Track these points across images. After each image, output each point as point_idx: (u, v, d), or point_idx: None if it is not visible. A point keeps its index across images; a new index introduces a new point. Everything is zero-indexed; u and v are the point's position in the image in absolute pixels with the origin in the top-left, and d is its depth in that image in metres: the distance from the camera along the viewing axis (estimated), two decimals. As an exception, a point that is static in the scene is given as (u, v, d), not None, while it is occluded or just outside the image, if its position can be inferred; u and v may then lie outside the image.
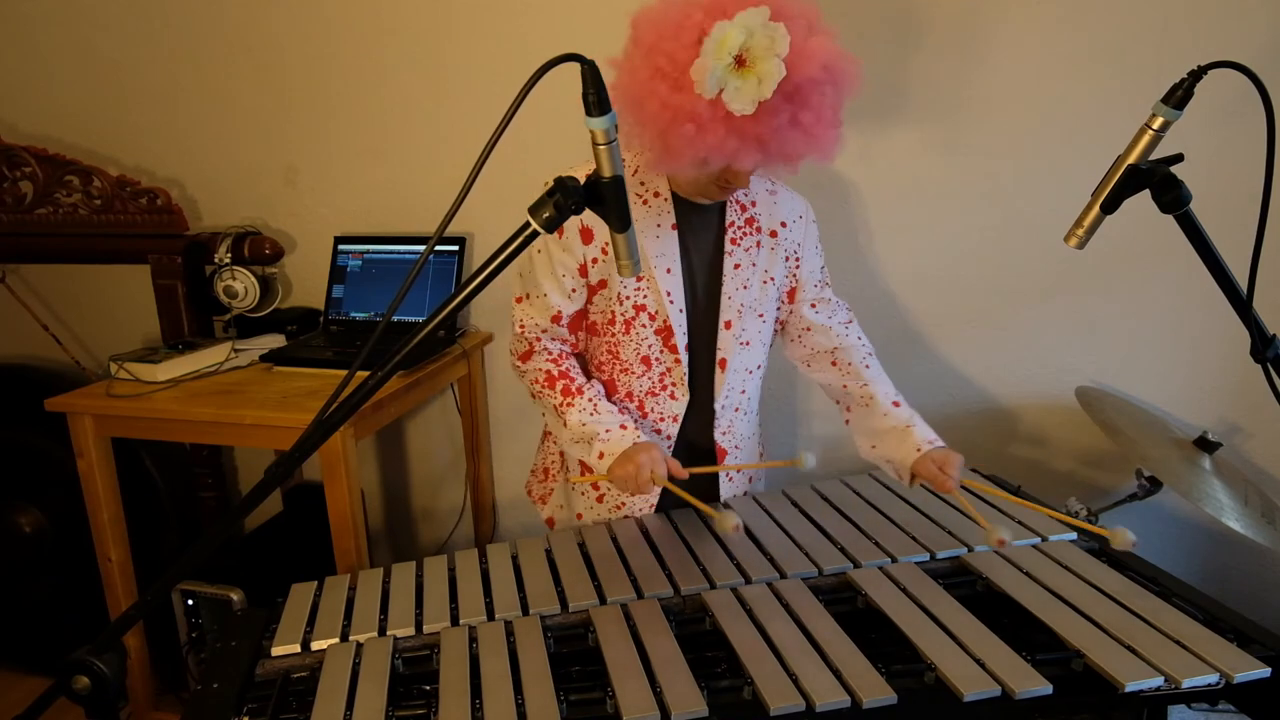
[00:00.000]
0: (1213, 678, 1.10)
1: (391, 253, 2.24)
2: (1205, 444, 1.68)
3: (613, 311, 1.49)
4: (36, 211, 2.35)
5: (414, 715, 1.14)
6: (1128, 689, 1.09)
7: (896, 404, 1.52)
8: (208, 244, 2.28)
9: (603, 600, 1.34)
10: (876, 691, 1.09)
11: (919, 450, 1.44)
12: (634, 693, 1.11)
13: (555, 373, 1.51)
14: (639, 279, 1.46)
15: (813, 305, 1.59)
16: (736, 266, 1.50)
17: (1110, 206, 1.15)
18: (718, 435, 1.59)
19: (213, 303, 2.28)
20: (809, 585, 1.35)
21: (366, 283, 2.25)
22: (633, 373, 1.53)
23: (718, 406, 1.56)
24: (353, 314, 2.25)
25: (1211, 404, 1.97)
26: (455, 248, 2.20)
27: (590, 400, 1.47)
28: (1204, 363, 1.95)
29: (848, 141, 1.95)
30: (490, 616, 1.32)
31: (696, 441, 1.59)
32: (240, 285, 2.22)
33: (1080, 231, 1.19)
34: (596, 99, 0.95)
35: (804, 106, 1.21)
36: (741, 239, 1.50)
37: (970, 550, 1.43)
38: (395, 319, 2.19)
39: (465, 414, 2.31)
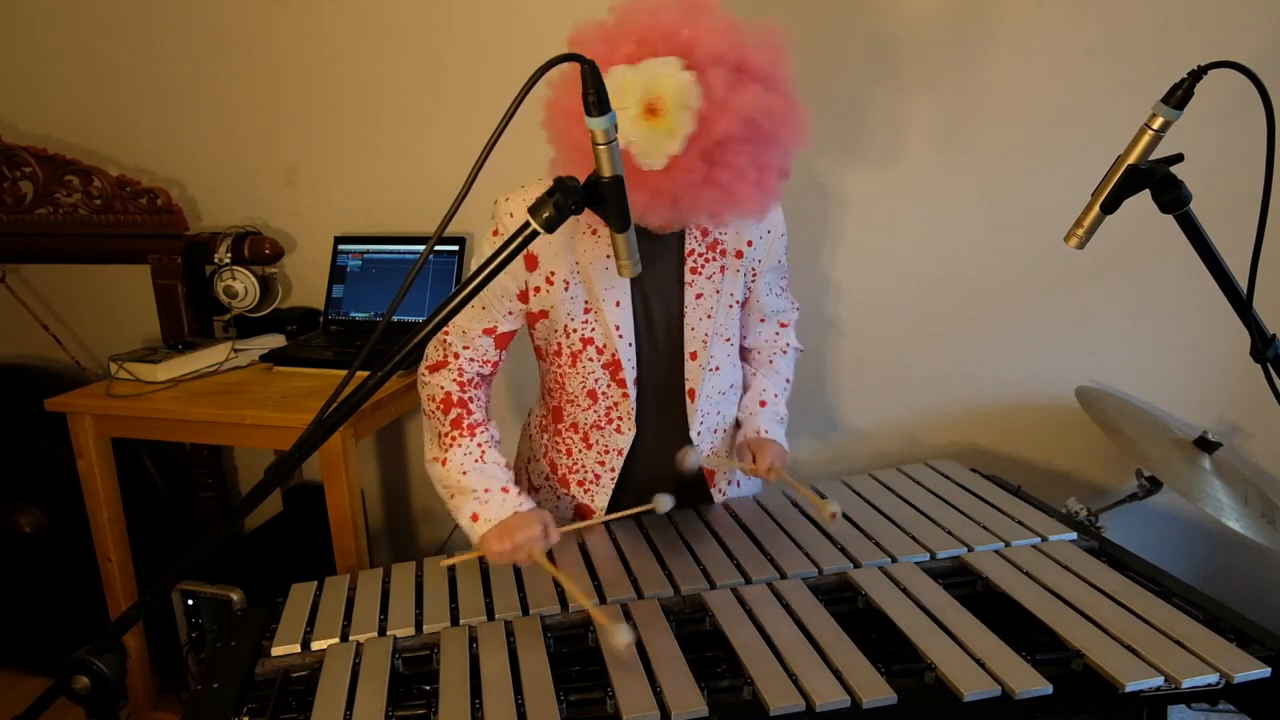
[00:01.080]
0: (1213, 678, 1.10)
1: (391, 253, 2.24)
2: (1205, 444, 1.68)
3: (559, 343, 1.42)
4: (36, 211, 2.35)
5: (414, 715, 1.14)
6: (1128, 689, 1.09)
7: (763, 403, 1.56)
8: (208, 244, 2.28)
9: (603, 600, 1.34)
10: (876, 691, 1.09)
11: (746, 435, 1.53)
12: (634, 693, 1.11)
13: (455, 398, 1.40)
14: (586, 310, 1.38)
15: (762, 320, 1.59)
16: (699, 296, 1.42)
17: (1110, 206, 1.15)
18: (704, 461, 1.55)
19: (213, 303, 2.28)
20: (809, 585, 1.34)
21: (366, 283, 2.25)
22: (579, 405, 1.46)
23: (694, 434, 1.50)
24: (353, 314, 2.25)
25: (1211, 404, 1.97)
26: (455, 248, 2.20)
27: (479, 445, 1.37)
28: (1204, 363, 1.95)
29: (847, 142, 1.98)
30: (490, 616, 1.32)
31: (654, 475, 1.51)
32: (240, 285, 2.22)
33: (1080, 231, 1.19)
34: (596, 99, 0.95)
35: (719, 164, 1.13)
36: (703, 266, 1.41)
37: (970, 550, 1.43)
38: (395, 319, 2.19)
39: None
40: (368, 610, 1.36)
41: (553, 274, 1.38)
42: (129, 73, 2.37)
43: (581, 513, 1.55)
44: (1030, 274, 1.98)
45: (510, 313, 1.42)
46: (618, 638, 1.15)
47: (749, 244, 1.44)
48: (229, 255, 2.24)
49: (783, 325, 1.62)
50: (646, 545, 1.49)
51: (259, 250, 2.26)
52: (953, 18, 1.87)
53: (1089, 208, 1.17)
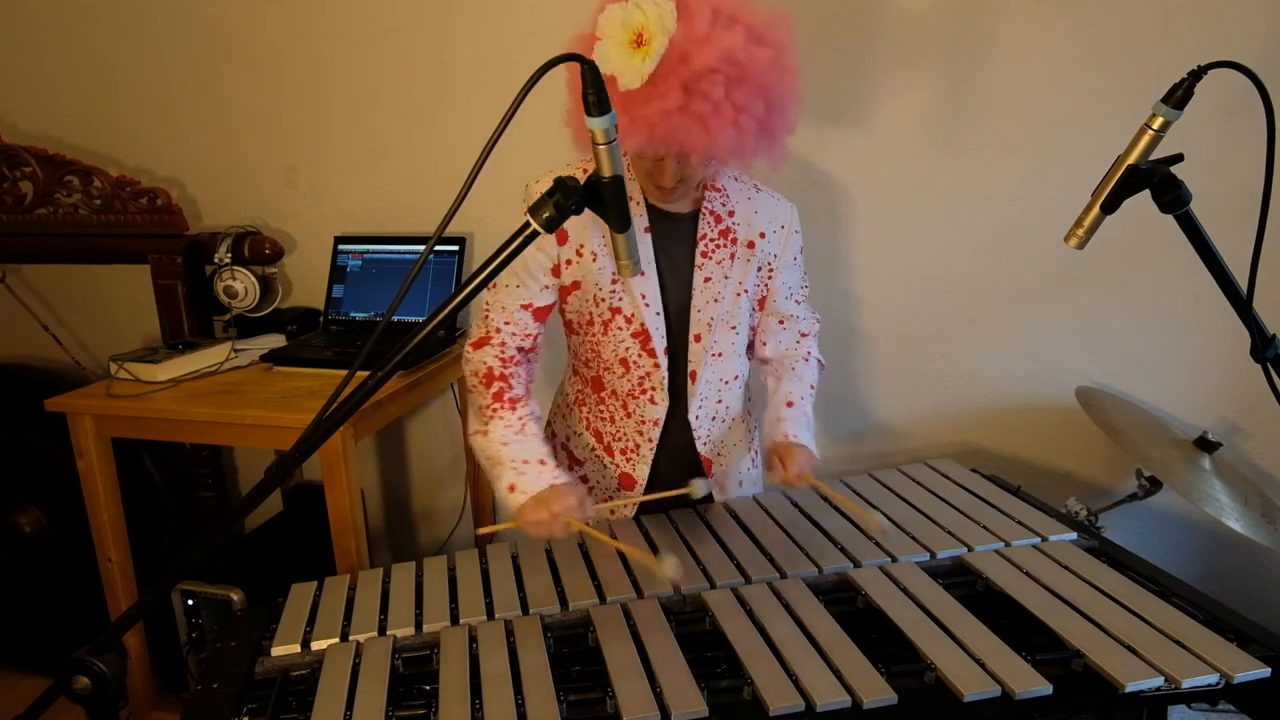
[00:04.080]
0: (1213, 678, 1.10)
1: (391, 253, 2.24)
2: (1205, 444, 1.68)
3: (590, 313, 1.48)
4: (36, 211, 2.35)
5: (414, 715, 1.14)
6: (1128, 689, 1.09)
7: (790, 404, 1.54)
8: (208, 244, 2.28)
9: (603, 600, 1.34)
10: (876, 691, 1.09)
11: (774, 440, 1.51)
12: (634, 693, 1.11)
13: (497, 373, 1.44)
14: (614, 281, 1.45)
15: (780, 322, 1.59)
16: (707, 280, 1.47)
17: (1110, 206, 1.15)
18: (699, 446, 1.58)
19: (213, 303, 2.28)
20: (809, 585, 1.35)
21: (366, 283, 2.25)
22: (614, 372, 1.52)
23: (692, 417, 1.55)
24: (353, 314, 2.25)
25: (1211, 404, 1.97)
26: (455, 248, 2.20)
27: (520, 418, 1.41)
28: (1204, 363, 1.95)
29: (846, 141, 1.98)
30: (490, 616, 1.32)
31: (680, 452, 1.57)
32: (240, 285, 2.22)
33: (1080, 231, 1.19)
34: (596, 99, 0.95)
35: (696, 95, 1.18)
36: (714, 251, 1.46)
37: (970, 550, 1.43)
38: (395, 319, 2.19)
39: (465, 414, 2.31)
40: (368, 610, 1.36)
41: (582, 247, 1.44)
42: (129, 73, 2.37)
43: (624, 483, 1.58)
44: (1030, 274, 1.98)
45: (545, 287, 1.48)
46: (667, 569, 1.23)
47: (761, 235, 1.49)
48: (229, 255, 2.24)
49: (803, 335, 1.62)
50: (647, 545, 1.49)
51: (259, 250, 2.26)
52: (953, 18, 1.87)
53: (1089, 208, 1.17)
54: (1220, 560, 2.02)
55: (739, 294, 1.50)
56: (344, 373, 0.98)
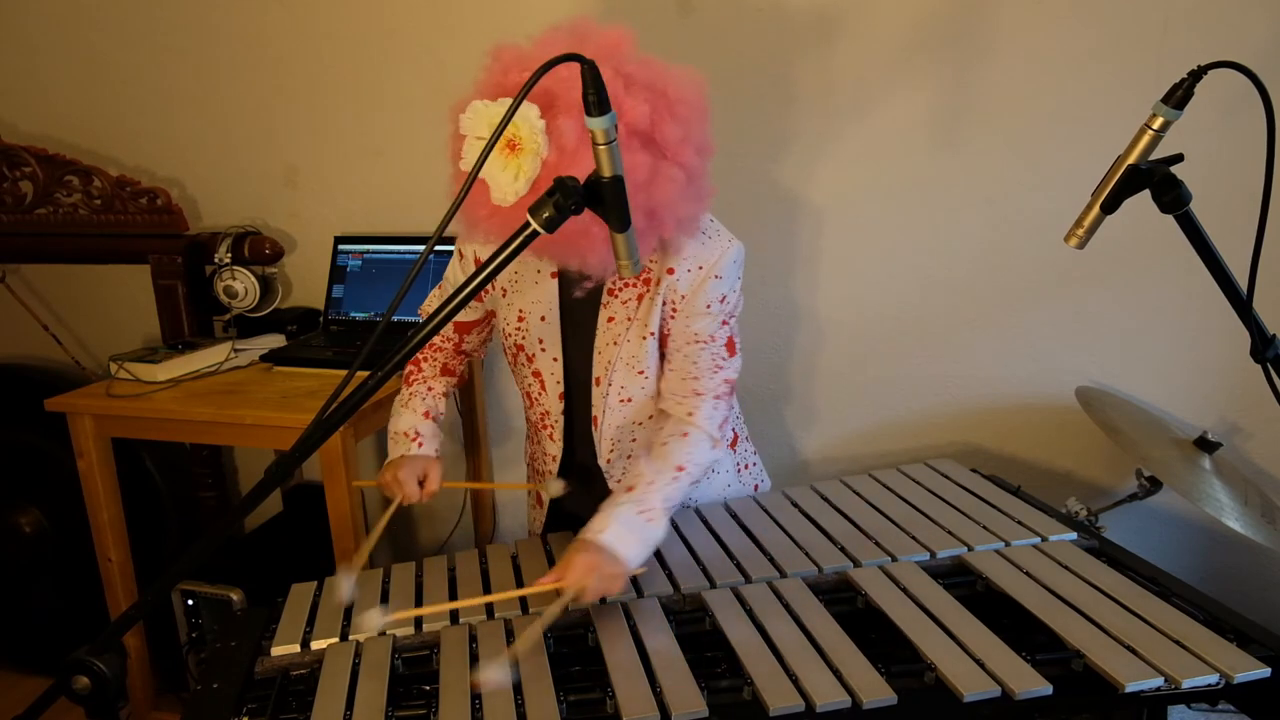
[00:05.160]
0: (1213, 678, 1.10)
1: (391, 253, 2.24)
2: (1205, 444, 1.68)
3: (503, 344, 1.51)
4: (36, 211, 2.35)
5: (414, 715, 1.14)
6: (1128, 689, 1.09)
7: (631, 487, 1.31)
8: (208, 244, 2.28)
9: (603, 600, 1.34)
10: (876, 691, 1.09)
11: (580, 536, 1.26)
12: (634, 693, 1.11)
13: (416, 355, 1.57)
14: (519, 319, 1.44)
15: (673, 369, 1.40)
16: (610, 320, 1.39)
17: (1110, 206, 1.15)
18: (612, 485, 1.49)
19: (213, 303, 2.28)
20: (809, 585, 1.34)
21: (366, 283, 2.25)
22: (525, 402, 1.55)
23: (603, 462, 1.48)
24: (353, 314, 2.25)
25: (1211, 404, 1.97)
26: (455, 247, 2.20)
27: (411, 394, 1.53)
28: (1204, 363, 1.95)
29: (847, 142, 1.98)
30: (490, 616, 1.32)
31: (597, 491, 1.47)
32: (240, 285, 2.22)
33: (1080, 232, 1.19)
34: (596, 99, 0.95)
35: None
36: (621, 290, 1.38)
37: (970, 550, 1.43)
38: (395, 319, 2.19)
39: (465, 414, 2.31)
40: (368, 610, 1.35)
41: (494, 281, 1.38)
42: (129, 72, 2.37)
43: (539, 499, 1.64)
44: (1030, 274, 1.98)
45: (471, 306, 1.51)
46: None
47: (670, 271, 1.35)
48: (229, 255, 2.24)
49: (697, 394, 1.37)
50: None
51: (259, 250, 2.26)
52: (953, 17, 1.87)
53: (1089, 208, 1.17)
54: (1220, 560, 2.02)
55: (644, 337, 1.38)
56: (344, 373, 0.98)
